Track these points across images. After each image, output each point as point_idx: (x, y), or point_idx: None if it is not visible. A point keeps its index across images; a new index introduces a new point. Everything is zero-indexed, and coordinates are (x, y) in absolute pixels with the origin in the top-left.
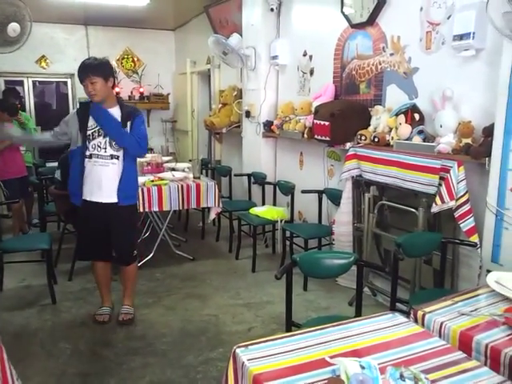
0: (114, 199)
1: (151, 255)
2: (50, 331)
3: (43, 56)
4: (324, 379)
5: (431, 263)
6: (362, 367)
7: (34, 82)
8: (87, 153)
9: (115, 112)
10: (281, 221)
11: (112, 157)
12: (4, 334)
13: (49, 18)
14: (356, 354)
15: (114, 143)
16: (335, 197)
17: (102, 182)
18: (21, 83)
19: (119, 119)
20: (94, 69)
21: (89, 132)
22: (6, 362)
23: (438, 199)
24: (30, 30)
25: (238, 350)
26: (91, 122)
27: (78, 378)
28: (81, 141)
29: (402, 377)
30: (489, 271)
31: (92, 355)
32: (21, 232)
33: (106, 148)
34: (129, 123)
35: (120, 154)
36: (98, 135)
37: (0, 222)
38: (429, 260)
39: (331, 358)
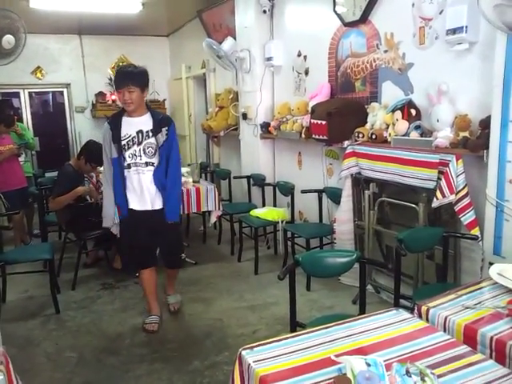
0: (158, 205)
1: None
2: (54, 341)
3: (38, 67)
4: (330, 378)
5: (433, 258)
6: (368, 364)
7: (30, 93)
8: (125, 163)
9: (147, 119)
10: (282, 221)
11: (147, 164)
12: (9, 346)
13: (43, 28)
14: (361, 351)
15: (147, 150)
16: (335, 195)
17: (143, 189)
18: (17, 95)
19: (151, 126)
20: (133, 78)
21: (123, 142)
22: (13, 373)
23: (438, 193)
24: (24, 41)
25: (243, 352)
26: (124, 132)
27: None
28: (116, 152)
29: (407, 373)
30: (491, 264)
31: (98, 363)
32: (22, 243)
33: (141, 156)
34: (164, 130)
35: (155, 160)
36: (133, 144)
37: (1, 233)
38: (431, 255)
39: (337, 356)
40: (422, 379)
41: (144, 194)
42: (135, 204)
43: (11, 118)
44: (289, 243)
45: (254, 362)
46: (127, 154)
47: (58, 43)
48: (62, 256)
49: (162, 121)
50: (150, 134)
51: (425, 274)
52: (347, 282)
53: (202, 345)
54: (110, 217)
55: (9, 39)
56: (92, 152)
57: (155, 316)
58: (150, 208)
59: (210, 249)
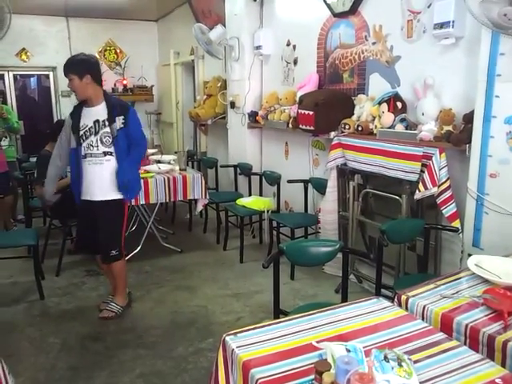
0: (105, 196)
1: (139, 248)
2: (38, 327)
3: (23, 49)
4: (311, 363)
5: (415, 249)
6: (348, 350)
7: (14, 76)
8: (83, 153)
9: (103, 108)
10: (267, 211)
11: (105, 154)
12: None
13: (28, 9)
14: (342, 338)
15: (104, 140)
16: (321, 186)
17: (95, 179)
18: (1, 77)
19: (106, 116)
20: (70, 66)
21: (81, 132)
22: None
23: (421, 186)
24: (9, 22)
25: (227, 338)
26: (82, 122)
27: (69, 372)
28: (75, 142)
29: (386, 358)
30: (470, 255)
31: (82, 349)
32: (5, 229)
33: (98, 146)
34: (120, 119)
35: (112, 149)
36: (90, 134)
37: None
38: (412, 246)
39: (318, 342)
40: (400, 364)
41: (92, 184)
42: (86, 194)
43: None
44: (274, 232)
45: (237, 347)
46: (84, 144)
47: (44, 25)
48: (46, 242)
49: (116, 109)
50: (106, 123)
51: (406, 265)
52: (330, 271)
53: (187, 331)
54: (49, 193)
55: None
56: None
57: (111, 297)
58: (93, 198)
59: (196, 237)
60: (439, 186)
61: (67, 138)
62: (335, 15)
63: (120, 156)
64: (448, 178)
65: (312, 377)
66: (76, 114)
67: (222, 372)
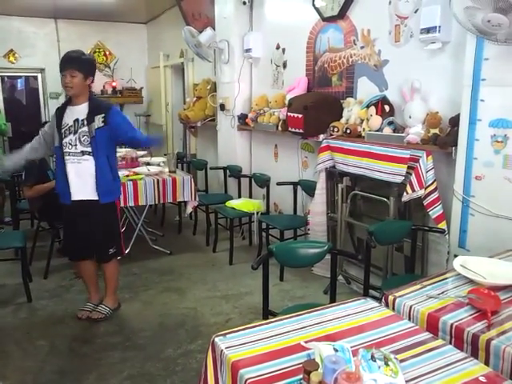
0: (91, 196)
1: (128, 250)
2: (26, 329)
3: (11, 50)
4: (300, 363)
5: (402, 250)
6: (336, 350)
7: (2, 78)
8: (64, 151)
9: (84, 108)
10: (257, 213)
11: (83, 153)
12: None
13: (17, 10)
14: (330, 338)
15: (83, 139)
16: (310, 188)
17: (76, 179)
18: None
19: (85, 115)
20: (79, 63)
21: (62, 130)
22: None
23: (408, 188)
24: None
25: (216, 339)
26: (64, 121)
27: (57, 375)
28: (57, 140)
29: (373, 357)
30: (456, 256)
31: (70, 352)
32: None
33: (76, 145)
34: (99, 117)
35: (90, 149)
36: (69, 132)
37: None
38: (400, 247)
39: (306, 342)
40: (386, 364)
41: (76, 184)
42: (63, 192)
43: None
44: (263, 234)
45: (226, 348)
46: (64, 142)
47: (32, 26)
48: (34, 244)
49: (96, 108)
50: (85, 122)
51: (394, 266)
52: (319, 272)
53: (176, 333)
54: (11, 161)
55: None
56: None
57: (90, 304)
58: (82, 198)
59: (185, 239)
60: (426, 188)
61: (51, 132)
62: (324, 19)
63: (97, 156)
64: (435, 180)
65: (300, 376)
66: (61, 111)
67: (211, 373)
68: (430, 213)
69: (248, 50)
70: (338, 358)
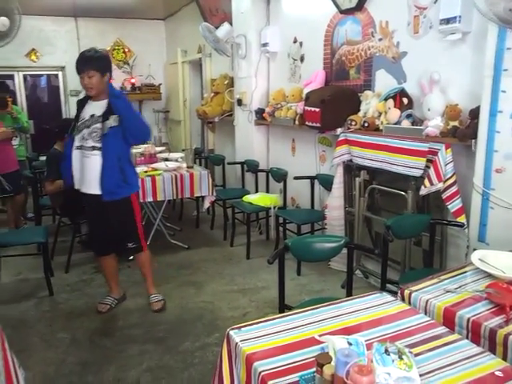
0: (97, 191)
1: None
2: (48, 322)
3: (33, 49)
4: (313, 356)
5: (421, 244)
6: (350, 344)
7: (24, 76)
8: (77, 144)
9: (102, 105)
10: (274, 207)
11: (93, 148)
12: (3, 327)
13: (38, 10)
14: (345, 331)
15: (93, 134)
16: (327, 182)
17: (86, 173)
18: (11, 77)
19: (102, 111)
20: (93, 62)
21: (79, 123)
22: (8, 351)
23: (426, 181)
24: (19, 23)
25: (231, 332)
26: (83, 115)
27: (78, 367)
28: (73, 132)
29: (386, 351)
30: (476, 250)
31: (90, 344)
32: (15, 226)
33: (88, 139)
34: (114, 117)
35: (100, 145)
36: (84, 126)
37: None
38: (418, 241)
39: (320, 336)
40: (400, 357)
41: (86, 178)
42: (80, 185)
43: (4, 100)
44: (280, 229)
45: (241, 341)
46: (78, 135)
47: (53, 25)
48: (55, 239)
49: (114, 107)
50: (100, 119)
51: (412, 260)
52: (337, 266)
53: (193, 326)
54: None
55: (3, 21)
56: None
57: (110, 298)
58: (92, 192)
59: (203, 233)
60: (445, 182)
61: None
62: (342, 12)
63: (106, 154)
64: (454, 174)
65: (314, 369)
66: (81, 104)
67: (226, 365)
68: (448, 206)
69: (265, 45)
70: (351, 352)
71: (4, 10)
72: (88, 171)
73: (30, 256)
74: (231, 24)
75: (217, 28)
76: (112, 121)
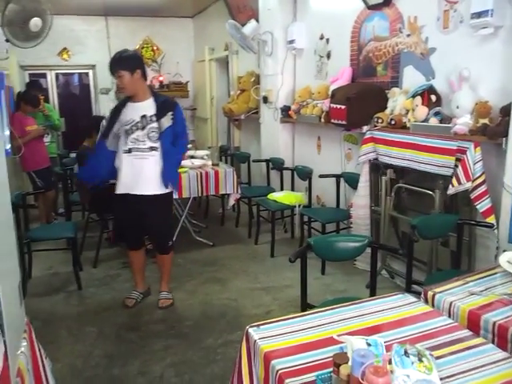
0: (155, 191)
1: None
2: (76, 316)
3: (65, 48)
4: (331, 356)
5: (448, 245)
6: (369, 344)
7: (56, 74)
8: (126, 147)
9: (150, 104)
10: (299, 206)
11: (151, 149)
12: (33, 319)
13: (69, 10)
14: (366, 332)
15: (151, 135)
16: (353, 180)
17: (141, 174)
18: (44, 76)
19: (154, 111)
20: (119, 63)
21: (127, 127)
22: (35, 342)
23: (454, 181)
24: (50, 23)
25: (250, 330)
26: (129, 117)
27: (104, 360)
28: (122, 137)
29: (406, 353)
30: (505, 252)
31: (117, 338)
32: (46, 222)
33: (144, 141)
34: (169, 114)
35: (158, 145)
36: (137, 129)
37: (27, 211)
38: (446, 242)
39: (339, 336)
40: (420, 360)
41: (139, 179)
42: (128, 188)
43: (37, 99)
44: (305, 227)
45: (259, 338)
46: (130, 138)
47: (83, 24)
48: (84, 235)
49: (166, 104)
50: (154, 118)
51: (440, 261)
52: (362, 266)
53: (217, 323)
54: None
55: (36, 22)
56: (100, 124)
57: (136, 292)
58: (142, 193)
59: (228, 231)
60: (473, 181)
61: (116, 131)
62: (369, 7)
63: (165, 152)
64: (483, 173)
65: (331, 369)
66: (119, 107)
67: (245, 362)
68: (477, 206)
69: (291, 42)
70: (367, 352)
71: (37, 11)
72: (146, 172)
73: (61, 251)
74: (258, 21)
75: (243, 25)
76: (167, 119)
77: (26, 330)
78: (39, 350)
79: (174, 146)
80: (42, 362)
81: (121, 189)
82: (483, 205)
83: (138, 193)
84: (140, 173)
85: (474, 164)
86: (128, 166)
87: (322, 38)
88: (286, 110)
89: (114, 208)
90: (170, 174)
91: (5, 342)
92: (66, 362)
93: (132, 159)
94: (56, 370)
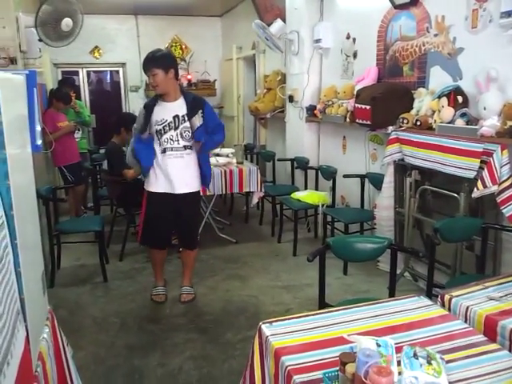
0: (193, 188)
1: None
2: (101, 307)
3: (96, 47)
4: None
5: (473, 249)
6: (379, 345)
7: (88, 72)
8: (160, 147)
9: (181, 103)
10: (322, 205)
11: (185, 147)
12: (60, 308)
13: (100, 9)
14: (377, 333)
15: (184, 134)
16: (377, 181)
17: (176, 173)
18: (76, 73)
19: (185, 111)
20: (153, 61)
21: (159, 127)
22: (57, 329)
23: (479, 184)
24: (81, 23)
25: (263, 326)
26: (160, 117)
27: (126, 350)
28: (155, 137)
29: (415, 355)
30: None
31: (139, 329)
32: (75, 215)
33: (178, 140)
34: (200, 112)
35: (192, 143)
36: (170, 128)
37: (57, 205)
38: (471, 246)
39: (349, 336)
40: (429, 362)
41: (174, 178)
42: (162, 187)
43: (68, 96)
44: (328, 227)
45: (271, 335)
46: (163, 138)
47: (114, 23)
48: (111, 228)
49: (195, 103)
50: (186, 117)
51: (465, 265)
52: (385, 268)
53: (236, 319)
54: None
55: (67, 22)
56: (128, 121)
57: (161, 288)
58: (177, 192)
59: (251, 229)
60: (500, 184)
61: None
62: (396, 7)
63: (201, 150)
64: (510, 176)
65: (338, 368)
66: (151, 107)
67: (258, 358)
68: (503, 210)
69: (318, 41)
70: (372, 352)
71: (68, 11)
72: (183, 171)
73: (89, 243)
74: (284, 20)
75: (270, 24)
76: (198, 118)
77: (49, 317)
78: (61, 337)
79: (208, 142)
80: (64, 348)
81: (158, 188)
82: (510, 209)
83: (175, 192)
84: (176, 172)
85: (501, 167)
86: (164, 165)
87: (348, 37)
88: (311, 110)
89: (145, 208)
90: (209, 173)
91: (26, 327)
92: (89, 350)
93: (167, 159)
94: (80, 357)
